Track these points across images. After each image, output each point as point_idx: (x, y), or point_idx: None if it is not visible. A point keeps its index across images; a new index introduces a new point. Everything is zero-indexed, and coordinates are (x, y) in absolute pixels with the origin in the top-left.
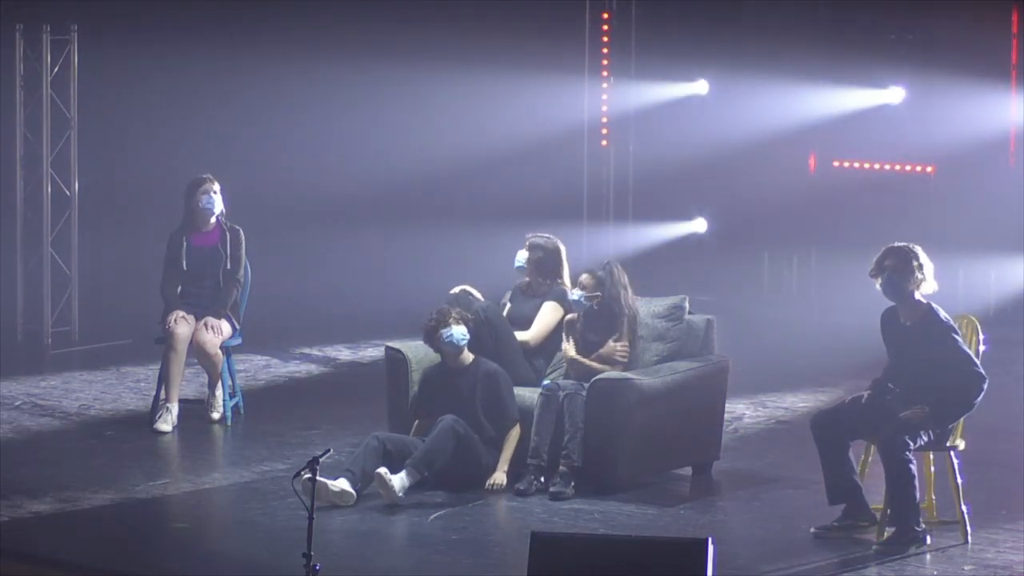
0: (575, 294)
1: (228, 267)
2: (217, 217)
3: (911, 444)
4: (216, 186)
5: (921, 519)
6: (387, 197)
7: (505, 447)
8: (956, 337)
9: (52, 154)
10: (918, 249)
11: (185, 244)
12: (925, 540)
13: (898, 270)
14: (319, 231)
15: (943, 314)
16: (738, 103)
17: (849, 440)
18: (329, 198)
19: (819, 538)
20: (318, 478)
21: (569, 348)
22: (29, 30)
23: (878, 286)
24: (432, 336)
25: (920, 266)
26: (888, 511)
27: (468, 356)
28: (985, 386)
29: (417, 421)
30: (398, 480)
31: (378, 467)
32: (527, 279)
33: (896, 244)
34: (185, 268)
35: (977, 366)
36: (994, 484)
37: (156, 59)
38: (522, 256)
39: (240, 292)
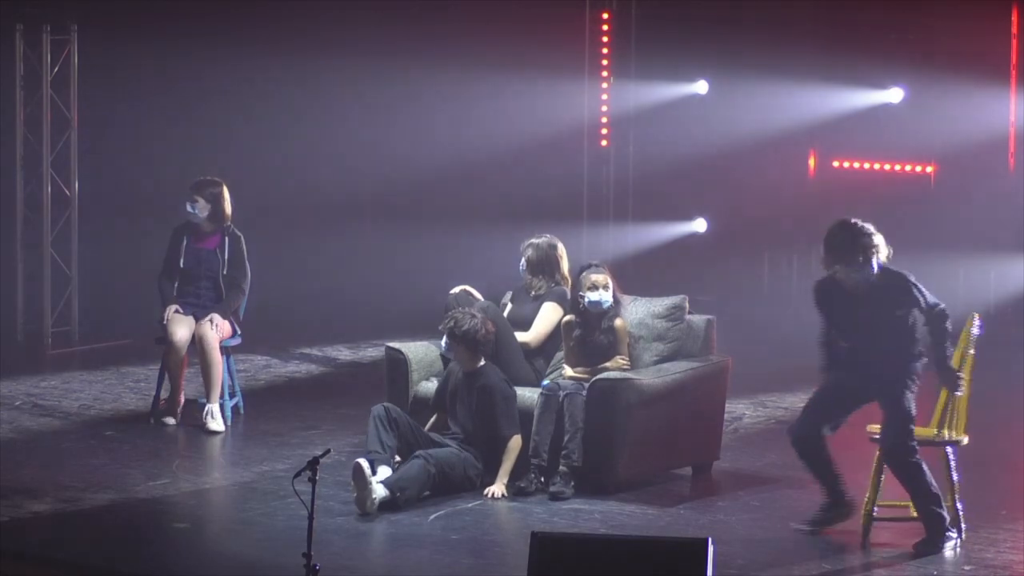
0: (600, 296)
1: (227, 272)
2: (219, 222)
3: (915, 446)
4: (201, 195)
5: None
6: (388, 197)
7: (504, 459)
8: (917, 294)
9: (52, 154)
10: (860, 222)
11: (184, 242)
12: (955, 534)
13: (855, 250)
14: (320, 231)
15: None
16: (738, 103)
17: (828, 432)
18: (330, 198)
19: (801, 532)
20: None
21: (568, 371)
22: (29, 30)
23: (836, 275)
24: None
25: (871, 235)
26: (919, 514)
27: (479, 360)
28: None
29: (436, 415)
30: (378, 488)
31: (390, 435)
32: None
33: (838, 226)
34: (182, 267)
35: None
36: (994, 483)
37: (157, 59)
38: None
39: (244, 298)
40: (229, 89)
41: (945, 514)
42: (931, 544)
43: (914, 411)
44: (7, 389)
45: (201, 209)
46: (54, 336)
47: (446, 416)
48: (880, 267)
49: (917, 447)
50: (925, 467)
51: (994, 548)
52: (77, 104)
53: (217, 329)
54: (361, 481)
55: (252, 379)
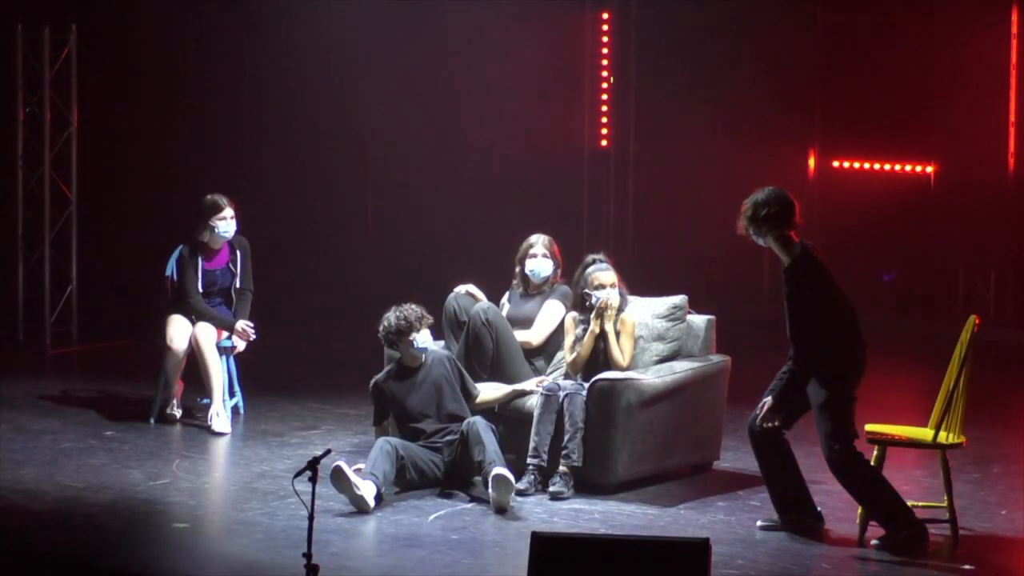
0: (608, 295)
1: (238, 285)
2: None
3: (849, 447)
4: (231, 210)
5: (913, 515)
6: (390, 197)
7: (499, 394)
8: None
9: (52, 154)
10: (776, 189)
11: (200, 267)
12: (926, 536)
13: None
14: (319, 230)
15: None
16: (738, 103)
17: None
18: (330, 200)
19: (767, 531)
20: (352, 477)
21: (568, 356)
22: (29, 30)
23: (762, 242)
24: (400, 340)
25: (792, 204)
26: (873, 520)
27: (420, 354)
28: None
29: (376, 429)
30: (365, 484)
31: (393, 470)
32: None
33: (759, 194)
34: (199, 289)
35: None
36: (994, 483)
37: (156, 59)
38: (547, 265)
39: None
40: (229, 88)
41: (905, 509)
42: (891, 540)
43: (843, 419)
44: (7, 389)
45: (231, 223)
46: (54, 336)
47: (388, 426)
48: (804, 250)
49: (851, 451)
50: (868, 469)
51: (994, 548)
52: (77, 104)
53: (247, 331)
54: (344, 483)
55: (252, 379)
